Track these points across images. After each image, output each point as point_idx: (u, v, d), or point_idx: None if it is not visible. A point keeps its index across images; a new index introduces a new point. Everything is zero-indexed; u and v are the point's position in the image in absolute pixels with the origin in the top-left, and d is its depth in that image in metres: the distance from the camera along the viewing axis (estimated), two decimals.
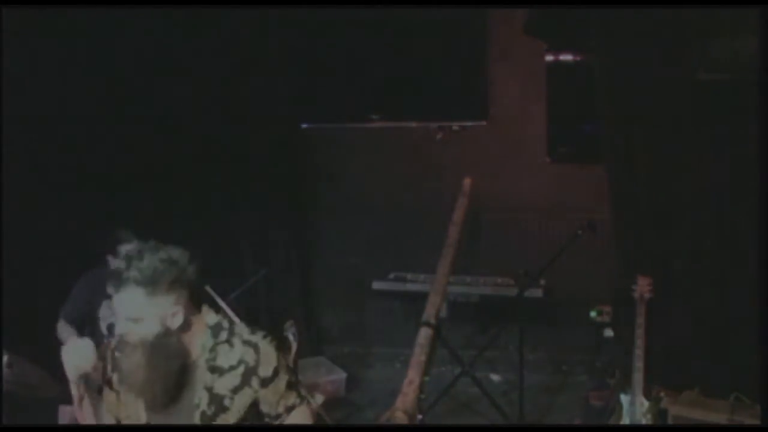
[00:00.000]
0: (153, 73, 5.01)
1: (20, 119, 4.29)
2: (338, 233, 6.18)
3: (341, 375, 5.68)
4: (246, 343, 2.45)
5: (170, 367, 2.37)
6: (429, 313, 3.96)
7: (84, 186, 4.76)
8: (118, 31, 4.74)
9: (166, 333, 2.35)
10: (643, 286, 4.26)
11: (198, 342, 2.43)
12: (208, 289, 3.28)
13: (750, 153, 4.18)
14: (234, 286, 4.65)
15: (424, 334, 3.88)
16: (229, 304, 3.86)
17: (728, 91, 4.38)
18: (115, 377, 2.47)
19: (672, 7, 4.17)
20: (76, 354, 2.50)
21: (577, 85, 5.45)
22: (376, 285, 5.87)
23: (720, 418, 4.14)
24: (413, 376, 3.66)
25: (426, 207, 5.67)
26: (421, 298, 4.22)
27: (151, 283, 2.29)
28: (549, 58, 5.66)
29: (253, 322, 2.84)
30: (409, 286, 5.75)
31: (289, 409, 2.52)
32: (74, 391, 2.52)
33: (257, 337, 2.47)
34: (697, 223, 4.67)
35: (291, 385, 2.52)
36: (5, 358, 3.14)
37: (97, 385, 2.50)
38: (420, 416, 3.70)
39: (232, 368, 2.43)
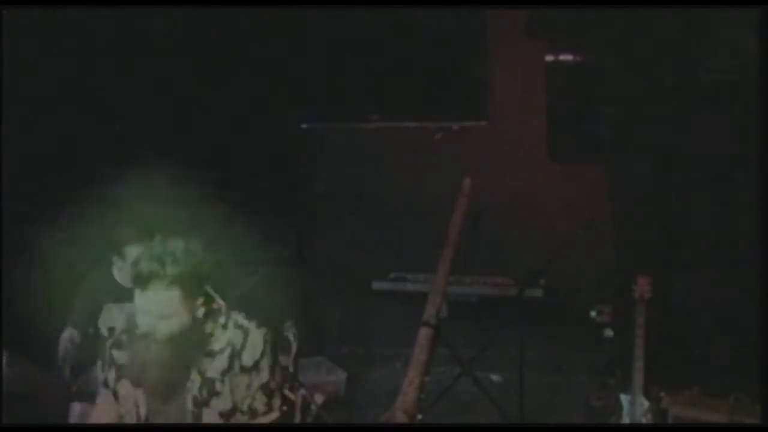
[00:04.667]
0: (152, 72, 5.01)
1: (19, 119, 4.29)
2: (338, 233, 6.17)
3: (341, 375, 5.67)
4: (238, 327, 2.48)
5: (195, 356, 2.41)
6: (429, 313, 3.93)
7: (84, 186, 4.76)
8: (114, 29, 4.74)
9: (192, 325, 2.41)
10: (643, 286, 4.25)
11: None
12: (208, 289, 3.28)
13: (750, 153, 4.17)
14: (234, 286, 4.65)
15: (424, 334, 3.86)
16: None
17: (728, 91, 4.38)
18: (111, 375, 2.46)
19: (672, 7, 4.17)
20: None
21: (577, 85, 5.45)
22: (376, 285, 5.84)
23: (720, 418, 4.13)
24: (413, 376, 3.63)
25: (426, 207, 5.66)
26: (421, 298, 4.19)
27: (187, 282, 2.37)
28: (549, 58, 5.65)
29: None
30: (409, 286, 5.73)
31: (253, 413, 2.42)
32: None
33: (250, 324, 2.48)
34: (698, 222, 4.67)
35: (266, 389, 2.45)
36: (5, 358, 3.14)
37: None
38: (420, 416, 3.69)
39: (221, 350, 2.44)
